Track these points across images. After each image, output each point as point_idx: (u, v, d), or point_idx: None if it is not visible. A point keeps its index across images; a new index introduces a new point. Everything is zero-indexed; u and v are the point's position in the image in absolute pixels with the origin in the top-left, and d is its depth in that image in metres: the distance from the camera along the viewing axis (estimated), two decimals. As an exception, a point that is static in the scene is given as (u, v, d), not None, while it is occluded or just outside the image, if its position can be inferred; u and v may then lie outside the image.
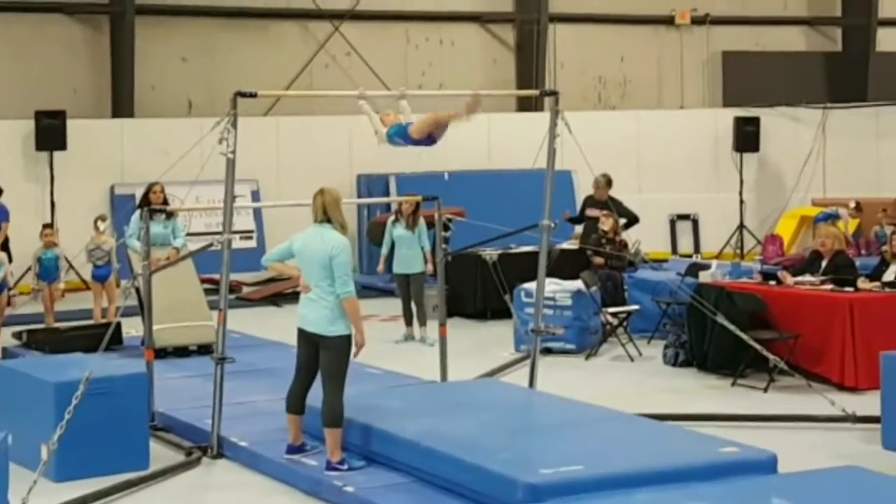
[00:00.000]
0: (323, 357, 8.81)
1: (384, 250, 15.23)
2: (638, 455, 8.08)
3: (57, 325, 14.95)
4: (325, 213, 8.85)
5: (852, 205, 21.07)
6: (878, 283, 12.46)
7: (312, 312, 8.83)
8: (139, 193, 15.38)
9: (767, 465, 7.93)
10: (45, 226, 15.42)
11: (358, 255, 21.44)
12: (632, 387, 12.33)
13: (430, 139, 9.88)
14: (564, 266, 15.10)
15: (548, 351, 13.61)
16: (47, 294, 14.89)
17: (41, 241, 14.99)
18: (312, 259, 8.83)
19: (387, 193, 20.54)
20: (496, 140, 22.68)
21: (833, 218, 20.09)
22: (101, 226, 15.02)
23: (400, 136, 9.99)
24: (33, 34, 21.37)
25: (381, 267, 15.41)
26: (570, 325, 14.05)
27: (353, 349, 8.78)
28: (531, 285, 13.30)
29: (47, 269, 14.85)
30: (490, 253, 15.56)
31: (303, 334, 8.93)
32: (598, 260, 14.93)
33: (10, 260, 15.02)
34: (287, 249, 9.11)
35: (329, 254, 8.72)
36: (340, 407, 8.75)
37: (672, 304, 14.01)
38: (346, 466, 8.68)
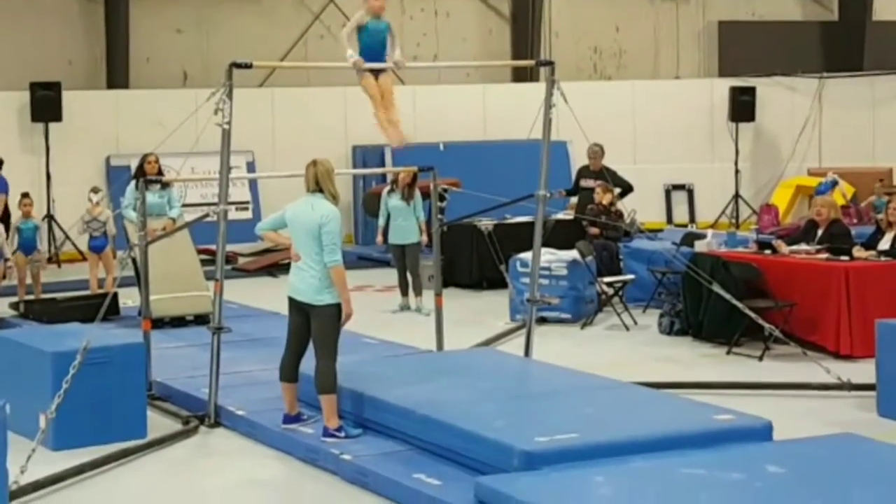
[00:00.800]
0: (313, 325, 8.85)
1: (381, 221, 15.19)
2: (633, 423, 8.12)
3: (53, 295, 14.97)
4: (318, 183, 8.88)
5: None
6: (873, 252, 12.46)
7: (301, 282, 8.86)
8: (134, 164, 15.37)
9: (762, 433, 7.96)
10: (24, 195, 15.35)
11: (353, 225, 21.48)
12: (627, 355, 12.36)
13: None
14: (560, 236, 15.10)
15: (543, 320, 13.63)
16: (24, 266, 14.85)
17: (20, 210, 14.97)
18: (303, 228, 8.85)
19: (382, 164, 20.50)
20: (491, 110, 22.65)
21: (834, 185, 20.05)
22: (94, 198, 15.00)
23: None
24: (28, 5, 21.27)
25: (379, 238, 15.37)
26: (566, 295, 14.08)
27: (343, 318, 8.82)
28: (527, 255, 13.34)
29: (26, 240, 14.84)
30: (486, 223, 15.53)
31: (293, 303, 8.97)
32: (594, 230, 14.94)
33: (8, 231, 15.00)
34: (280, 218, 9.16)
35: (318, 223, 8.74)
36: (332, 373, 8.78)
37: (667, 273, 14.03)
38: (342, 433, 8.71)
